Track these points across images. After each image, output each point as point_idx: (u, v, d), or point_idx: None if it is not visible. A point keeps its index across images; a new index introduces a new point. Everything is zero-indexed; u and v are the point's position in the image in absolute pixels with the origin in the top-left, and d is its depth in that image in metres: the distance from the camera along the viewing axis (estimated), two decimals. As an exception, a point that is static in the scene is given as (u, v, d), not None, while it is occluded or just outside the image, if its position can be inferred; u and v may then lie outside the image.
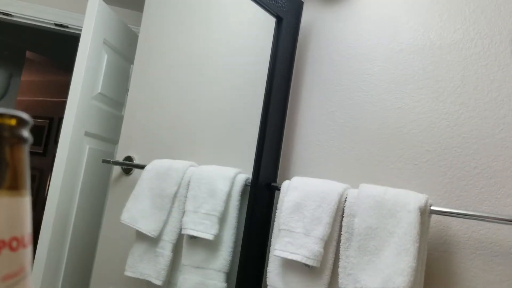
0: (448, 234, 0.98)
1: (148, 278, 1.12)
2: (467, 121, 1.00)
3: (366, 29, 1.19)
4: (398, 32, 1.13)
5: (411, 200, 0.93)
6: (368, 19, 1.19)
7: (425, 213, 0.93)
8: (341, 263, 0.99)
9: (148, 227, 1.13)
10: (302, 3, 1.29)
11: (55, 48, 2.15)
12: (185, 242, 1.13)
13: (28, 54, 2.38)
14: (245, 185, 1.17)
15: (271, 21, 1.22)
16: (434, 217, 0.99)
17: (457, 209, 0.95)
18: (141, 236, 1.15)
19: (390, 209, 0.94)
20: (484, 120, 0.99)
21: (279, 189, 1.13)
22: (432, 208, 0.94)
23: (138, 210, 1.15)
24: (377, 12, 1.18)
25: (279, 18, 1.21)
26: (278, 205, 1.10)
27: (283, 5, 1.20)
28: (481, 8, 1.03)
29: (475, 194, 0.97)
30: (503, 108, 0.97)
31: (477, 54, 1.02)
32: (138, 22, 1.60)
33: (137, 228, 1.13)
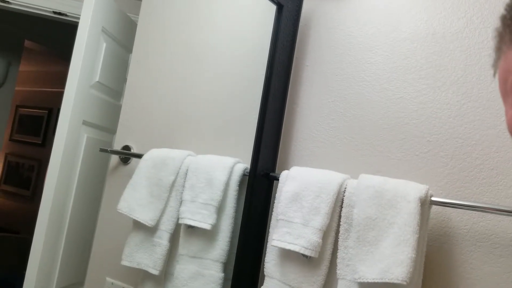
0: (448, 226, 0.97)
1: (145, 268, 1.12)
2: (469, 111, 0.99)
3: (368, 17, 1.17)
4: (400, 21, 1.11)
5: (411, 190, 0.92)
6: (370, 7, 1.17)
7: (425, 203, 0.92)
8: (340, 253, 0.97)
9: (145, 217, 1.12)
10: (303, -9, 1.27)
11: (54, 37, 2.13)
12: (182, 231, 1.12)
13: (27, 43, 2.36)
14: (244, 175, 1.15)
15: (271, 8, 1.21)
16: (434, 208, 0.98)
17: (458, 200, 0.94)
18: (138, 226, 1.14)
19: (390, 200, 0.93)
20: (487, 111, 0.97)
21: (278, 179, 1.12)
22: (433, 199, 0.93)
23: (135, 199, 1.14)
24: (380, 0, 1.16)
25: (280, 5, 1.19)
26: (277, 195, 1.09)
27: (284, -8, 1.19)
28: (485, -4, 1.02)
29: (476, 185, 0.96)
30: (506, 98, 0.95)
31: (480, 43, 1.00)
32: (137, 11, 1.58)
33: (134, 218, 1.12)
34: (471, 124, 0.98)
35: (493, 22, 1.00)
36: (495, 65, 0.38)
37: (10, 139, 2.54)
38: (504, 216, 0.92)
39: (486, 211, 0.90)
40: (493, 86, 0.97)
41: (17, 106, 2.58)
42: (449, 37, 1.04)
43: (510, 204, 0.92)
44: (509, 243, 0.91)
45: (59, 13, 1.91)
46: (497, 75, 0.38)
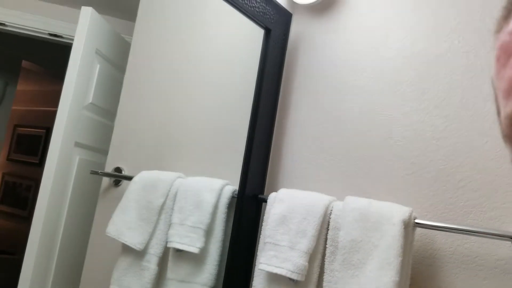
0: (433, 248, 0.97)
1: (134, 291, 1.12)
2: (452, 133, 1.00)
3: (354, 40, 1.19)
4: (385, 44, 1.13)
5: (395, 213, 0.93)
6: (356, 30, 1.19)
7: (409, 226, 0.92)
8: (326, 277, 0.98)
9: (134, 240, 1.12)
10: (291, 14, 1.29)
11: (51, 58, 2.15)
12: (171, 255, 1.13)
13: (24, 63, 2.38)
14: (232, 197, 1.16)
15: (260, 32, 1.22)
16: (419, 230, 0.98)
17: (442, 222, 0.95)
18: (126, 249, 1.15)
19: (374, 222, 0.94)
20: (470, 133, 0.98)
21: (266, 201, 1.12)
22: (417, 221, 0.93)
23: (124, 222, 1.15)
24: (365, 23, 1.18)
25: (268, 29, 1.21)
26: (265, 217, 1.10)
27: (272, 17, 1.21)
28: (467, 20, 1.03)
29: (460, 207, 0.97)
30: (488, 121, 0.97)
31: (463, 66, 1.02)
32: (131, 32, 1.60)
33: (123, 241, 1.13)
34: (454, 146, 0.99)
35: (476, 45, 1.01)
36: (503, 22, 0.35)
37: (8, 159, 2.55)
38: (488, 239, 0.92)
39: (470, 233, 0.90)
40: (476, 108, 0.98)
41: (15, 126, 2.60)
42: (432, 60, 1.05)
43: (494, 226, 0.93)
44: (493, 265, 0.91)
45: (55, 35, 1.93)
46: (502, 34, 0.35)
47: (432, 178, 1.01)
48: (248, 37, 1.31)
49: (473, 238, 0.94)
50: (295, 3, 1.29)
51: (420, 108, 1.05)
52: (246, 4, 1.11)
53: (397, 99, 1.08)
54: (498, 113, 0.35)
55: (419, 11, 1.10)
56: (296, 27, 1.29)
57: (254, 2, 1.14)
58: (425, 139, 1.03)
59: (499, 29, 0.34)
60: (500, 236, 0.87)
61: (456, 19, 1.05)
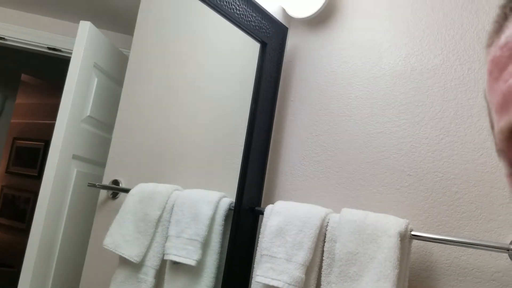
0: (430, 260, 0.97)
1: (131, 304, 1.11)
2: (447, 146, 1.01)
3: (349, 54, 1.20)
4: (380, 58, 1.14)
5: (392, 225, 0.93)
6: (352, 45, 1.20)
7: (406, 238, 0.93)
8: (322, 289, 0.98)
9: (131, 253, 1.12)
10: (287, 28, 1.30)
11: (50, 71, 2.17)
12: (167, 267, 1.13)
13: (24, 77, 2.40)
14: (229, 209, 1.16)
15: (256, 45, 1.24)
16: (416, 242, 0.99)
17: (439, 234, 0.95)
18: (124, 262, 1.15)
19: (370, 234, 0.94)
20: (465, 145, 0.99)
21: (263, 213, 1.12)
22: (413, 233, 0.93)
23: (121, 235, 1.15)
24: (360, 37, 1.19)
25: (264, 43, 1.22)
26: (261, 229, 1.10)
27: (268, 31, 1.22)
28: (460, 34, 1.05)
29: (456, 219, 0.97)
30: (482, 133, 0.97)
31: (457, 80, 1.03)
32: (129, 46, 1.61)
33: (120, 254, 1.12)
34: (450, 159, 1.00)
35: (469, 59, 1.02)
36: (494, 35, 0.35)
37: (6, 172, 2.54)
38: (485, 251, 0.92)
39: (465, 245, 0.90)
40: (470, 121, 0.99)
41: (14, 139, 2.61)
42: (426, 74, 1.07)
43: (490, 238, 0.93)
44: (490, 277, 0.91)
45: (54, 49, 1.95)
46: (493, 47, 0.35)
47: (428, 190, 1.01)
48: (245, 50, 1.32)
49: (470, 250, 0.94)
50: (291, 17, 1.30)
51: (415, 121, 1.06)
52: (242, 18, 1.12)
53: (392, 112, 1.09)
54: (492, 127, 0.35)
55: (413, 26, 1.11)
56: (292, 41, 1.30)
57: (250, 16, 1.15)
58: (421, 152, 1.04)
59: (490, 43, 0.34)
60: (497, 248, 0.87)
61: (449, 33, 1.06)
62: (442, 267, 0.96)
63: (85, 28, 1.66)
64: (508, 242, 0.90)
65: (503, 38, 0.32)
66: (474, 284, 0.92)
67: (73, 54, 1.61)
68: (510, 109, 0.31)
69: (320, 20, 1.28)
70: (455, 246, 0.95)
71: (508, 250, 0.85)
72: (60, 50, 1.94)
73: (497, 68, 0.33)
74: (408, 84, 1.08)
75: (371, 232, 0.94)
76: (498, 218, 0.93)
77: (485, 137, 0.97)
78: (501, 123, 0.32)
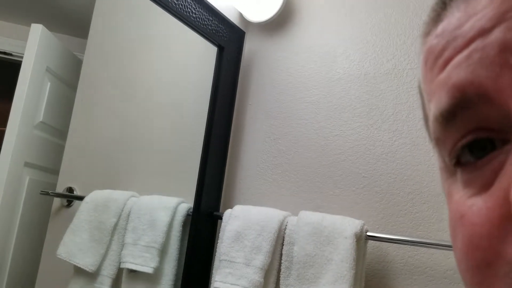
0: (386, 260, 0.99)
1: (86, 315, 1.08)
2: (400, 147, 1.03)
3: (305, 58, 1.21)
4: (335, 62, 1.16)
5: (348, 226, 0.94)
6: (308, 49, 1.22)
7: (361, 239, 0.94)
8: (281, 292, 0.98)
9: (86, 262, 1.09)
10: (244, 33, 1.31)
11: (0, 76, 2.09)
12: (124, 276, 1.10)
13: (-28, 81, 2.30)
14: (188, 215, 1.15)
15: (213, 49, 1.23)
16: (372, 243, 1.00)
17: (394, 234, 0.97)
18: (79, 271, 1.11)
19: (327, 236, 0.95)
20: (417, 147, 1.02)
21: (222, 218, 1.12)
22: (368, 234, 0.95)
23: (75, 243, 1.11)
24: (316, 42, 1.21)
25: (221, 47, 1.22)
26: (220, 234, 1.09)
27: (225, 35, 1.22)
28: (411, 40, 1.08)
29: (410, 219, 0.99)
30: (433, 135, 1.00)
31: (408, 83, 1.06)
32: (83, 50, 1.57)
33: (74, 263, 1.09)
34: (403, 160, 1.02)
35: (419, 64, 1.05)
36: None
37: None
38: (437, 250, 0.95)
39: (418, 245, 0.93)
40: (421, 124, 1.02)
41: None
42: (379, 78, 1.09)
43: (442, 237, 0.96)
44: (442, 275, 0.94)
45: (4, 53, 1.88)
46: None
47: (382, 191, 1.03)
48: (202, 55, 1.31)
49: (423, 249, 0.97)
50: (248, 21, 1.31)
51: (369, 124, 1.08)
52: (198, 22, 1.12)
53: (348, 116, 1.11)
54: (426, 120, 0.34)
55: (366, 31, 1.14)
56: (249, 45, 1.31)
57: (207, 20, 1.15)
58: (375, 154, 1.06)
59: (427, 31, 0.34)
60: (448, 247, 0.90)
61: (401, 39, 1.09)
62: (397, 266, 0.98)
63: (37, 31, 1.60)
64: (459, 240, 0.93)
65: (440, 27, 0.32)
66: (427, 282, 0.95)
67: (24, 58, 1.55)
68: None
69: (277, 24, 1.29)
70: (409, 246, 0.97)
71: (458, 248, 0.88)
72: (11, 54, 1.87)
73: (432, 57, 0.32)
74: (362, 88, 1.11)
75: (328, 234, 0.95)
76: (449, 217, 0.96)
77: (435, 139, 1.00)
78: (435, 110, 0.30)
